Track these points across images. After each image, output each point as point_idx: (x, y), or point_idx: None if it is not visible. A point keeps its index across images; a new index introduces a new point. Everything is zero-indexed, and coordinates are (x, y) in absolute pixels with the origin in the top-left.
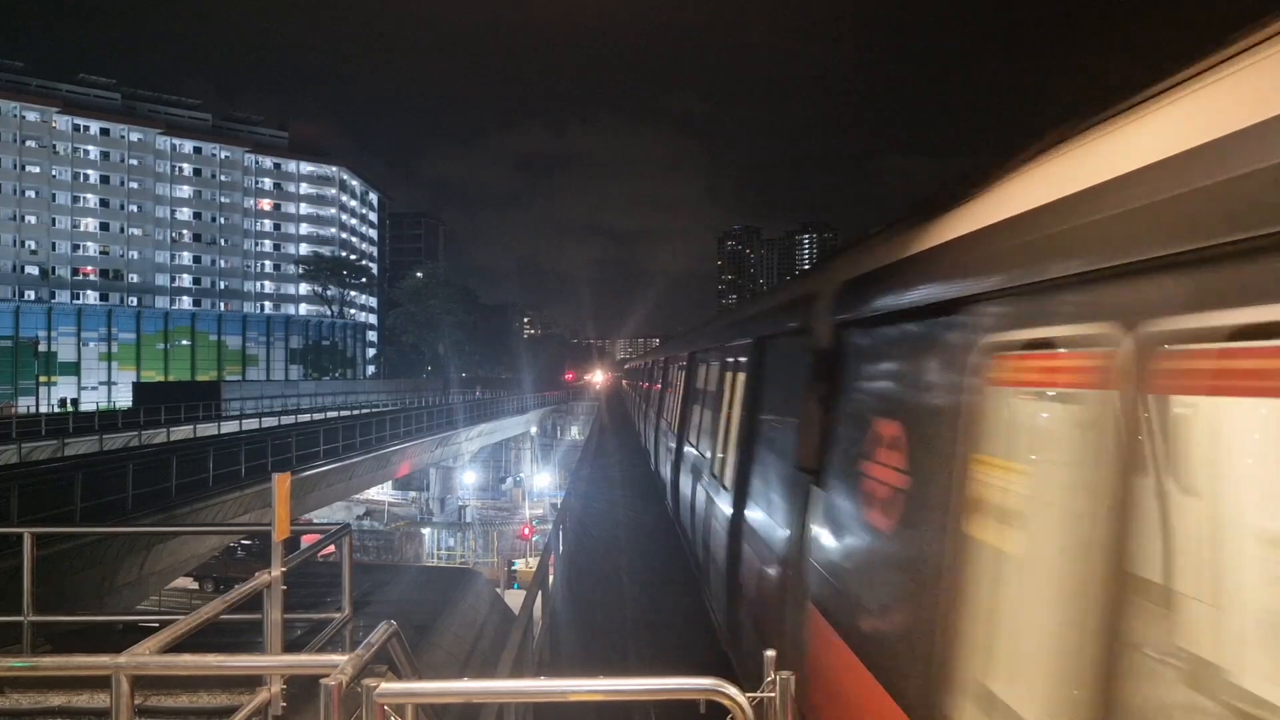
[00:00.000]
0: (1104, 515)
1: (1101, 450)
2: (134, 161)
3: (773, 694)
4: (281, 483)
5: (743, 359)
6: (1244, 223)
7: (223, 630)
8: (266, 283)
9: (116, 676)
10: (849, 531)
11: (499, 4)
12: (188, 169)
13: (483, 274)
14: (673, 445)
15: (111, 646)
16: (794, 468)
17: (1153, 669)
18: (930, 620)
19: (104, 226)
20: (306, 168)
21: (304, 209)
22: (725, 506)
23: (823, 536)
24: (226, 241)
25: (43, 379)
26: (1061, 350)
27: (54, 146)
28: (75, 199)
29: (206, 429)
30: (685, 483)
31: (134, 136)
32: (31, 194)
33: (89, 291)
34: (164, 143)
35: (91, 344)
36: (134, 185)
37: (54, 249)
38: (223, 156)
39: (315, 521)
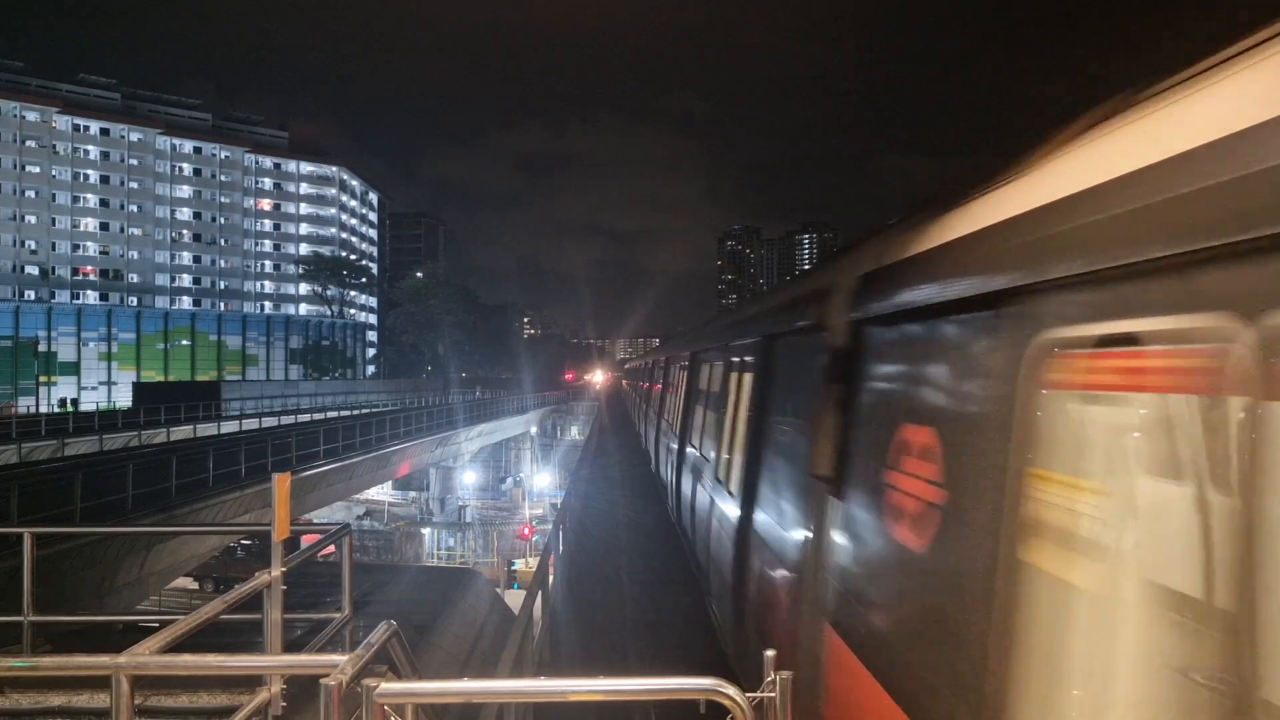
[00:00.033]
0: (1207, 545)
1: (1198, 464)
2: (134, 161)
3: (773, 694)
4: (281, 483)
5: (749, 359)
6: None
7: (223, 630)
8: (266, 283)
9: (116, 676)
10: (874, 548)
11: (499, 4)
12: (188, 169)
13: (483, 274)
14: (674, 446)
15: (111, 646)
16: (807, 474)
17: None
18: (980, 657)
19: (104, 226)
20: (306, 168)
21: (304, 209)
22: (729, 511)
23: (841, 551)
24: (226, 241)
25: (43, 379)
26: (1151, 347)
27: (54, 146)
28: (75, 199)
29: (206, 429)
30: (687, 485)
31: (134, 136)
32: (31, 194)
33: (89, 291)
34: (164, 143)
35: (91, 344)
36: (134, 185)
37: (54, 249)
38: (223, 156)
39: (315, 521)
